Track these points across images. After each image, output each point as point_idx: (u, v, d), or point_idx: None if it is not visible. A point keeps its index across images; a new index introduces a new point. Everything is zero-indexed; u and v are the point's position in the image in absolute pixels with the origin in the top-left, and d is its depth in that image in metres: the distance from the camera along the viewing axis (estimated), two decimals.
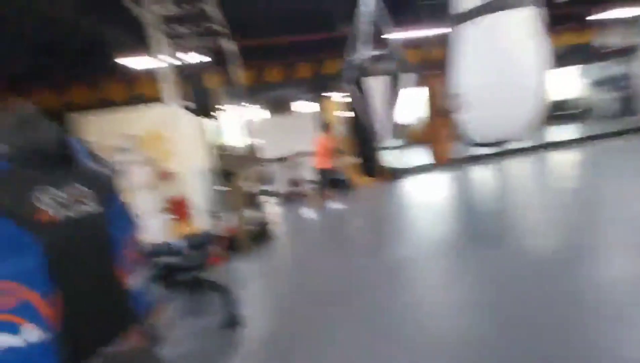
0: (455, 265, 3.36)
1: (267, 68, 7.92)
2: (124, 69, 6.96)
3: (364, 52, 3.95)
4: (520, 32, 2.03)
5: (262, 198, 7.79)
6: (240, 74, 7.89)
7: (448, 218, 4.94)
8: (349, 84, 4.04)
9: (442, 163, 6.26)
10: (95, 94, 7.66)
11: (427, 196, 6.38)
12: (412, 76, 3.97)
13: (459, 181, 7.42)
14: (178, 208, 5.22)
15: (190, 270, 2.77)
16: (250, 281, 3.66)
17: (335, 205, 6.29)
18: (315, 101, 8.82)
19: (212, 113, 3.10)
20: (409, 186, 7.40)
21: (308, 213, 6.00)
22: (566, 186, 5.62)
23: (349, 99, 4.21)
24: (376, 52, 3.88)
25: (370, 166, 6.38)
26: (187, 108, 2.97)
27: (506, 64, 1.96)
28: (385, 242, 4.33)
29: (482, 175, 7.69)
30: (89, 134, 7.82)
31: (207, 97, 3.19)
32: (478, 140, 2.18)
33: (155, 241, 3.17)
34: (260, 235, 5.18)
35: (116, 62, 6.63)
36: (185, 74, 3.26)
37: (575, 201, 4.70)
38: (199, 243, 3.16)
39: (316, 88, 8.58)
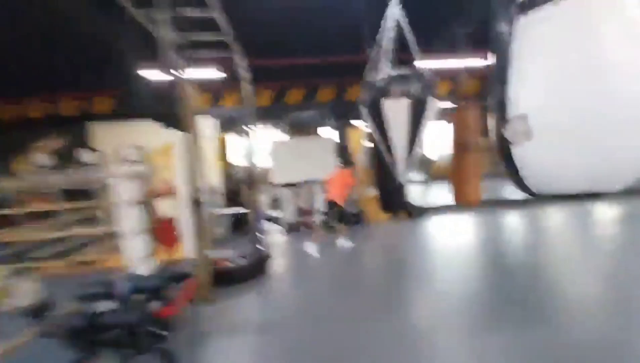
0: (481, 343, 2.44)
1: (287, 89, 7.45)
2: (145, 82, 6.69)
3: (386, 72, 3.28)
4: (623, 24, 1.27)
5: (266, 226, 7.06)
6: (256, 93, 7.46)
7: (472, 271, 3.99)
8: (368, 106, 3.37)
9: (468, 203, 5.32)
10: (115, 104, 7.45)
11: (449, 242, 5.41)
12: (438, 102, 3.25)
13: (487, 226, 6.38)
14: (164, 231, 4.58)
15: (128, 324, 2.01)
16: (213, 341, 2.82)
17: (346, 242, 5.45)
18: (335, 127, 8.21)
19: (185, 126, 2.49)
20: (430, 227, 6.44)
21: (312, 248, 5.19)
22: (618, 248, 4.53)
23: (368, 125, 3.53)
24: (399, 72, 3.21)
25: (388, 202, 5.54)
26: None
27: (605, 74, 1.20)
28: (396, 298, 3.43)
29: (515, 222, 6.61)
30: (103, 142, 7.57)
31: (178, 108, 2.60)
32: (547, 188, 1.38)
33: (98, 278, 2.43)
34: (253, 271, 4.41)
35: (137, 75, 6.37)
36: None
37: (630, 267, 3.69)
38: (156, 284, 2.41)
39: (337, 113, 8.00)
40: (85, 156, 6.84)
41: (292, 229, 6.83)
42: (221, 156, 7.50)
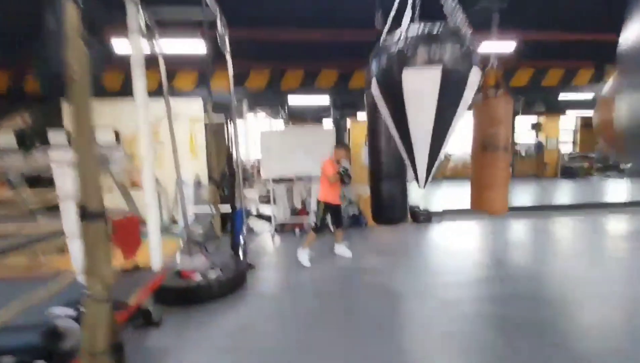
0: None
1: (282, 71, 6.43)
2: (123, 56, 5.73)
3: (406, 31, 2.28)
4: None
5: (253, 226, 6.12)
6: (248, 75, 6.40)
7: (485, 299, 3.05)
8: (378, 79, 2.36)
9: (493, 211, 4.31)
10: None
11: (462, 254, 4.45)
12: (479, 74, 2.23)
13: (508, 237, 5.42)
14: (123, 233, 3.68)
15: None
16: None
17: (345, 251, 4.52)
18: (336, 117, 7.22)
19: (74, 109, 1.55)
20: (441, 236, 5.48)
21: (303, 256, 4.28)
22: None
23: (377, 103, 2.52)
24: (427, 30, 2.19)
25: (384, 210, 4.29)
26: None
27: None
28: (395, 338, 2.50)
29: (543, 236, 5.62)
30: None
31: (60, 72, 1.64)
32: None
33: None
34: (228, 286, 3.50)
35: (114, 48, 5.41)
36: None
37: None
38: (31, 341, 1.45)
39: (340, 102, 6.99)
40: (55, 137, 5.89)
41: (284, 230, 5.92)
42: (208, 144, 6.56)
